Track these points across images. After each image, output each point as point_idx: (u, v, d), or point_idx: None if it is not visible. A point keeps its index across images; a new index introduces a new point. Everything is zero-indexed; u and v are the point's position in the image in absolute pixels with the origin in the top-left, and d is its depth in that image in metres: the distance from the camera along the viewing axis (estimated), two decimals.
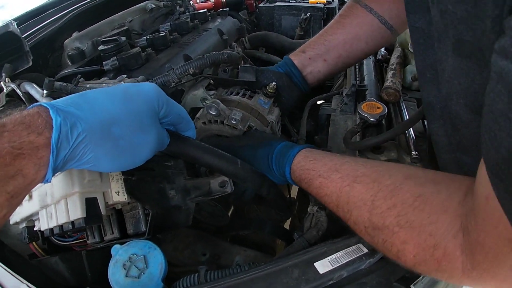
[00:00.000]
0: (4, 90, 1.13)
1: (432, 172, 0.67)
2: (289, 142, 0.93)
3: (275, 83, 1.13)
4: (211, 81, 1.21)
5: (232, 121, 1.01)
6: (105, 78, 1.19)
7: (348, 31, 1.15)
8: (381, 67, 1.64)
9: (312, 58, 1.17)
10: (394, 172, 0.67)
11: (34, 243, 0.87)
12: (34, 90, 1.09)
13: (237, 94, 1.14)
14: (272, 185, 0.91)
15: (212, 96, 1.13)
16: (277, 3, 1.93)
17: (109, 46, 1.29)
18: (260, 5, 2.01)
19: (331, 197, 0.74)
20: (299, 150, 0.87)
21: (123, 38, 1.33)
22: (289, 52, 1.25)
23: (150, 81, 1.07)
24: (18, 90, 1.11)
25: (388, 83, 1.37)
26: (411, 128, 1.14)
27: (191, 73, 1.09)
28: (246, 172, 0.86)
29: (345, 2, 1.42)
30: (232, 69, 1.25)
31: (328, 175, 0.75)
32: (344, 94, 1.36)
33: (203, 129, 1.09)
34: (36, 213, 0.75)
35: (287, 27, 1.93)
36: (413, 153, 1.05)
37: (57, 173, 0.59)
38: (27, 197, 0.73)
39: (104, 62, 1.23)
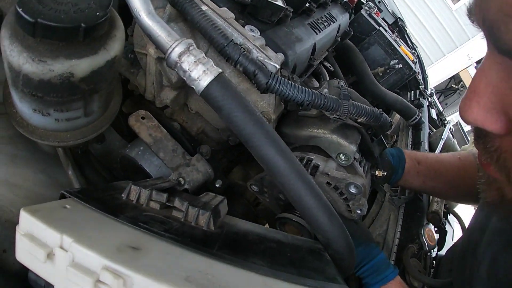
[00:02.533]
0: None
1: None
2: (385, 256, 0.93)
3: (384, 173, 1.06)
4: None
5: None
6: (224, 9, 0.85)
7: (455, 177, 1.20)
8: None
9: (419, 173, 1.21)
10: None
11: None
12: None
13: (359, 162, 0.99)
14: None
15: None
16: (381, 29, 1.67)
17: None
18: (362, 12, 1.71)
19: None
20: (395, 276, 0.89)
21: None
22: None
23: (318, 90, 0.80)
24: None
25: (434, 207, 1.40)
26: None
27: (358, 119, 0.88)
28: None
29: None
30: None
31: None
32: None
33: None
34: None
35: (372, 56, 1.73)
36: None
37: None
38: None
39: None
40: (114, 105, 0.75)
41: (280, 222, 0.93)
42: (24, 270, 0.66)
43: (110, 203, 0.60)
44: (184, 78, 0.65)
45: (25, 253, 0.48)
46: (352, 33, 1.52)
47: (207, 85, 0.62)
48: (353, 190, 0.87)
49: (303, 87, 0.75)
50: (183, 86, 0.93)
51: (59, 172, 0.94)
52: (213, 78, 0.62)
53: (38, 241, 0.47)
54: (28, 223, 0.49)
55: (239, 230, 0.67)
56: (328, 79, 1.46)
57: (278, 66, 0.77)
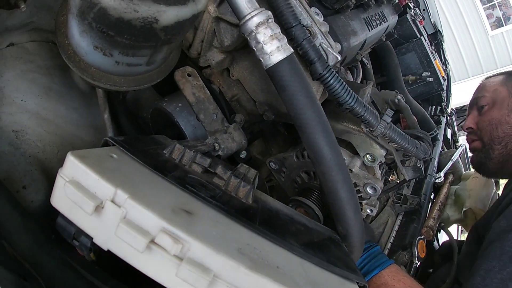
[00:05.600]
0: None
1: None
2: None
3: (397, 181, 1.15)
4: None
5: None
6: None
7: None
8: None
9: None
10: None
11: None
12: None
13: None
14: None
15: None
16: (421, 38, 1.65)
17: None
18: (407, 16, 1.68)
19: None
20: (392, 262, 0.94)
21: None
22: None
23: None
24: None
25: (430, 222, 1.44)
26: None
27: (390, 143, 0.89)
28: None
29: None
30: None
31: None
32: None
33: None
34: None
35: (406, 62, 1.72)
36: None
37: None
38: None
39: None
40: (172, 59, 0.73)
41: (293, 204, 0.95)
42: (43, 210, 0.64)
43: (156, 158, 0.60)
44: (254, 48, 0.64)
45: (66, 200, 0.45)
46: (396, 35, 1.51)
47: (278, 62, 0.62)
48: (370, 191, 0.90)
49: (352, 91, 0.76)
50: (232, 51, 0.92)
51: (92, 114, 0.91)
52: (285, 56, 0.62)
53: (86, 191, 0.44)
54: (75, 170, 0.46)
55: (271, 208, 0.69)
56: (361, 74, 1.47)
57: (339, 58, 0.77)
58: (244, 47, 0.91)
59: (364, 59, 1.50)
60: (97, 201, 0.44)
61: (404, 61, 1.73)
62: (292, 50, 0.63)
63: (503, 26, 7.00)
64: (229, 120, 0.90)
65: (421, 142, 0.96)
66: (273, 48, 0.62)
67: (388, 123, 0.83)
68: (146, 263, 0.42)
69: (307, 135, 0.63)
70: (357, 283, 0.58)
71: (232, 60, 0.97)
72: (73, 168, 0.47)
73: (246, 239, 0.49)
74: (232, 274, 0.41)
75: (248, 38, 0.64)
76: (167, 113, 0.87)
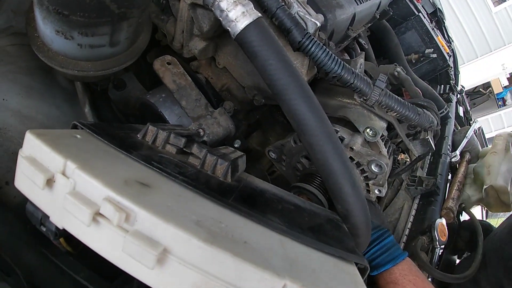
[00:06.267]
0: None
1: None
2: (394, 239, 0.90)
3: (408, 159, 1.06)
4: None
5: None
6: None
7: None
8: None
9: None
10: None
11: None
12: None
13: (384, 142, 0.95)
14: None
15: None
16: (419, 15, 1.59)
17: None
18: None
19: None
20: (405, 256, 0.87)
21: None
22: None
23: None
24: None
25: (450, 204, 1.35)
26: None
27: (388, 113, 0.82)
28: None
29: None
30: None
31: None
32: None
33: None
34: None
35: (407, 41, 1.65)
36: None
37: None
38: None
39: None
40: (141, 42, 0.71)
41: (295, 192, 0.90)
42: (24, 204, 0.64)
43: (125, 140, 0.56)
44: (220, 18, 0.61)
45: (24, 178, 0.43)
46: (391, 13, 1.45)
47: (244, 28, 0.58)
48: (375, 169, 0.83)
49: (337, 58, 0.70)
50: (214, 37, 0.89)
51: (75, 111, 0.91)
52: (251, 21, 0.58)
53: (39, 165, 0.42)
54: (31, 146, 0.44)
55: (257, 187, 0.64)
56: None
57: (318, 24, 0.72)
58: (224, 31, 0.88)
59: (361, 40, 1.44)
60: (48, 174, 0.41)
61: (405, 40, 1.66)
62: (259, 14, 0.59)
63: (505, 1, 6.76)
64: (214, 106, 0.86)
65: (424, 110, 0.90)
66: (238, 14, 0.58)
67: (382, 89, 0.77)
68: (93, 238, 0.38)
69: (286, 102, 0.59)
70: (356, 264, 0.52)
71: (216, 48, 0.94)
72: (30, 144, 0.45)
73: (211, 213, 0.44)
74: (184, 248, 0.36)
75: (213, 10, 0.61)
76: (151, 105, 0.85)
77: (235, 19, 0.58)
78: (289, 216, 0.57)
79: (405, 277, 0.84)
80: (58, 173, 0.41)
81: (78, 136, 0.51)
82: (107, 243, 0.38)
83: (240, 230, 0.43)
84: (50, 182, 0.41)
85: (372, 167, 0.85)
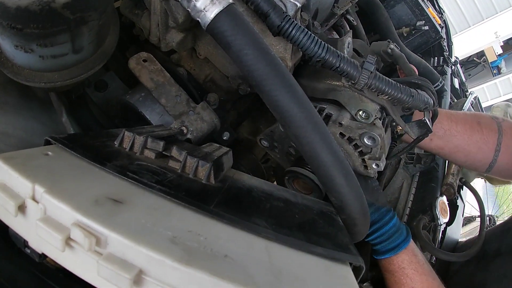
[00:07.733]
0: None
1: None
2: (398, 221, 0.88)
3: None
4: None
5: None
6: None
7: (468, 142, 1.07)
8: None
9: None
10: None
11: None
12: None
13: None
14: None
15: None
16: None
17: None
18: None
19: None
20: (407, 244, 0.86)
21: None
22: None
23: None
24: None
25: (450, 179, 1.32)
26: None
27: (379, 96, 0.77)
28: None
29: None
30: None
31: None
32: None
33: None
34: None
35: (397, 15, 1.60)
36: None
37: None
38: None
39: None
40: (109, 43, 0.66)
41: (289, 177, 0.86)
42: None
43: (100, 150, 0.53)
44: (188, 9, 0.56)
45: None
46: None
47: (215, 17, 0.54)
48: (368, 141, 0.78)
49: (320, 40, 0.66)
50: (191, 28, 0.84)
51: (55, 120, 0.88)
52: (222, 9, 0.53)
53: (10, 191, 0.40)
54: (1, 171, 0.42)
55: (244, 186, 0.61)
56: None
57: (299, 4, 0.68)
58: None
59: (349, 16, 1.39)
60: (19, 200, 0.40)
61: (395, 14, 1.61)
62: (230, 0, 0.55)
63: None
64: (196, 101, 0.82)
65: (418, 90, 0.85)
66: (206, 2, 0.53)
67: (371, 72, 0.72)
68: (69, 262, 0.37)
69: (266, 93, 0.55)
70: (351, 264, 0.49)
71: (195, 38, 0.89)
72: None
73: (189, 226, 0.41)
74: (159, 269, 0.34)
75: (179, 0, 0.57)
76: (131, 105, 0.81)
77: (204, 9, 0.54)
78: (278, 216, 0.54)
79: (403, 270, 0.84)
80: (28, 198, 0.40)
81: (50, 153, 0.49)
82: (84, 267, 0.37)
83: (220, 242, 0.40)
84: (22, 208, 0.40)
85: (365, 139, 0.80)
